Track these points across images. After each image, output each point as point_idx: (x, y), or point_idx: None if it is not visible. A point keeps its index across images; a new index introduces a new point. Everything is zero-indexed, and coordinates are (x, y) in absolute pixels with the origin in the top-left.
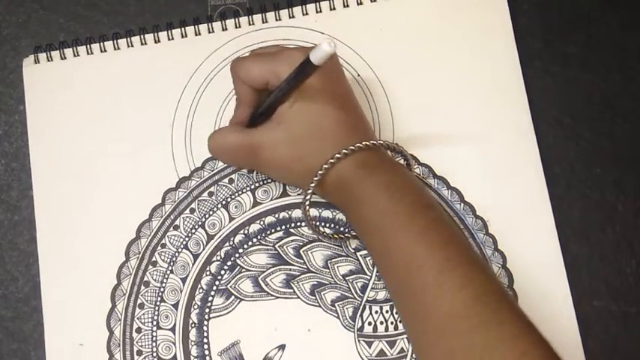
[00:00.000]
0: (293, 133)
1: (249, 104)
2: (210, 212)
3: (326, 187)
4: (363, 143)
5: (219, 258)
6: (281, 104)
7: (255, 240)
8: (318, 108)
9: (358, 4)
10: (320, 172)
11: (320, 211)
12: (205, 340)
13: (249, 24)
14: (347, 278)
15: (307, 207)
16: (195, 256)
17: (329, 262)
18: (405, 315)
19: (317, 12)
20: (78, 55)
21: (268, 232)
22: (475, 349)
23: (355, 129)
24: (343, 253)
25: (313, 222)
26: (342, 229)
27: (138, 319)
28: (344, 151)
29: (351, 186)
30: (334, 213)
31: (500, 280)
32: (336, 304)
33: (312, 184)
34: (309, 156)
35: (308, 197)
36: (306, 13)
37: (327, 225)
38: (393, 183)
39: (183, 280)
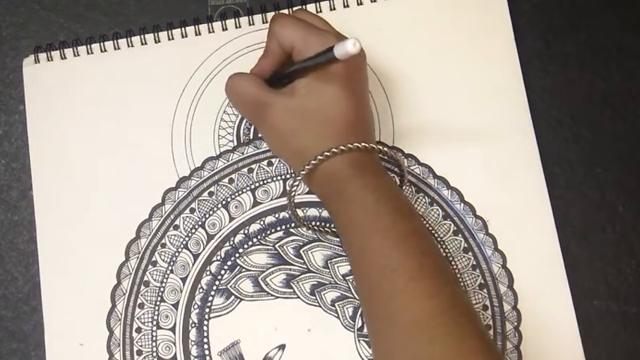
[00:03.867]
0: (302, 107)
1: (274, 59)
2: (211, 212)
3: (314, 177)
4: (362, 144)
5: (219, 258)
6: (300, 78)
7: (255, 240)
8: (331, 93)
9: (358, 4)
10: (313, 161)
11: (320, 211)
12: (205, 340)
13: (250, 24)
14: (347, 278)
15: (293, 193)
16: (196, 256)
17: (329, 262)
18: (371, 318)
19: (317, 12)
20: (78, 55)
21: (268, 232)
22: (434, 359)
23: (359, 126)
24: (343, 253)
25: (295, 209)
26: (321, 228)
27: (138, 318)
28: (341, 147)
29: (339, 181)
30: (319, 210)
31: (469, 297)
32: (336, 304)
33: (303, 172)
34: (307, 135)
35: (297, 183)
36: None
37: (327, 225)
38: (381, 187)
39: (184, 279)
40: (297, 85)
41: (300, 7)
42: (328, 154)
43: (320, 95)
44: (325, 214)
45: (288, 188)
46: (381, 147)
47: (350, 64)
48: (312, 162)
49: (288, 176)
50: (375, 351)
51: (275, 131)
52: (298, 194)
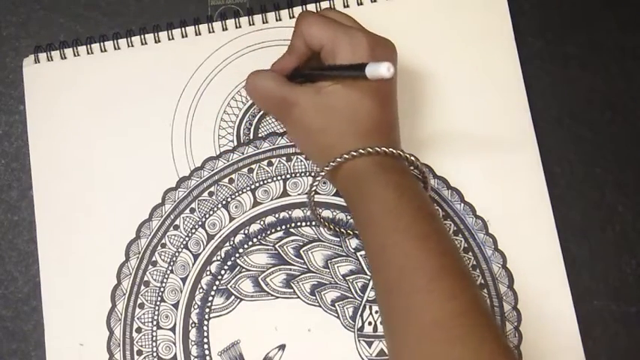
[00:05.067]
0: (328, 106)
1: (298, 57)
2: (211, 212)
3: (336, 174)
4: (389, 150)
5: (219, 258)
6: (324, 80)
7: (255, 240)
8: (359, 95)
9: (358, 4)
10: (339, 159)
11: (320, 210)
12: (205, 340)
13: (250, 24)
14: (347, 278)
15: (313, 192)
16: (196, 256)
17: (329, 262)
18: (388, 315)
19: (317, 12)
20: (78, 55)
21: (268, 232)
22: (452, 359)
23: (385, 129)
24: (343, 253)
25: (316, 208)
26: (342, 229)
27: (138, 318)
28: (368, 149)
29: (361, 179)
30: (334, 213)
31: (486, 300)
32: (336, 304)
33: (327, 168)
34: (332, 133)
35: (319, 178)
36: None
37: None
38: (403, 186)
39: (184, 279)
40: (323, 84)
41: (300, 7)
42: (354, 153)
43: (347, 96)
44: (340, 216)
45: (310, 183)
46: (407, 155)
47: None
48: (338, 159)
49: (288, 176)
50: (391, 349)
51: (300, 128)
52: (299, 194)
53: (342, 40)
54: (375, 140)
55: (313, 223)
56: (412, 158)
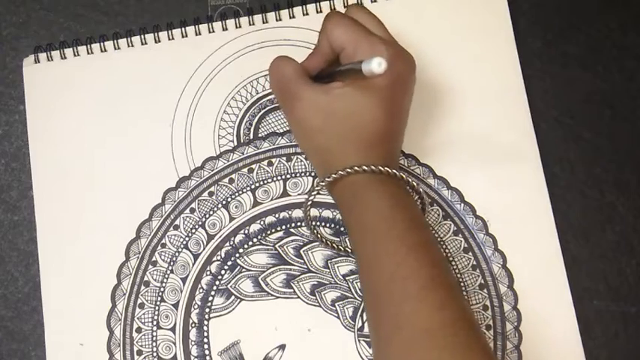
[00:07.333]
0: (331, 107)
1: (323, 57)
2: (211, 212)
3: (333, 185)
4: (384, 169)
5: (219, 258)
6: (339, 80)
7: (255, 240)
8: (367, 101)
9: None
10: (334, 175)
11: (320, 211)
12: (205, 340)
13: (250, 24)
14: (347, 278)
15: (309, 205)
16: (196, 256)
17: (329, 262)
18: (377, 322)
19: (317, 12)
20: (78, 55)
21: (268, 232)
22: None
23: (387, 139)
24: (343, 254)
25: (312, 221)
26: (342, 229)
27: (138, 318)
28: (364, 167)
29: (356, 188)
30: (334, 213)
31: (473, 312)
32: (336, 304)
33: (323, 183)
34: (332, 136)
35: (315, 193)
36: (307, 13)
37: (327, 225)
38: (397, 196)
39: (184, 279)
40: (333, 85)
41: (301, 7)
42: (350, 170)
43: (354, 101)
44: (325, 214)
45: (306, 196)
46: (403, 175)
47: (394, 76)
48: (334, 175)
49: (288, 176)
50: (377, 355)
51: (301, 125)
52: (299, 194)
53: (363, 48)
54: (375, 152)
55: (320, 224)
56: (409, 179)
